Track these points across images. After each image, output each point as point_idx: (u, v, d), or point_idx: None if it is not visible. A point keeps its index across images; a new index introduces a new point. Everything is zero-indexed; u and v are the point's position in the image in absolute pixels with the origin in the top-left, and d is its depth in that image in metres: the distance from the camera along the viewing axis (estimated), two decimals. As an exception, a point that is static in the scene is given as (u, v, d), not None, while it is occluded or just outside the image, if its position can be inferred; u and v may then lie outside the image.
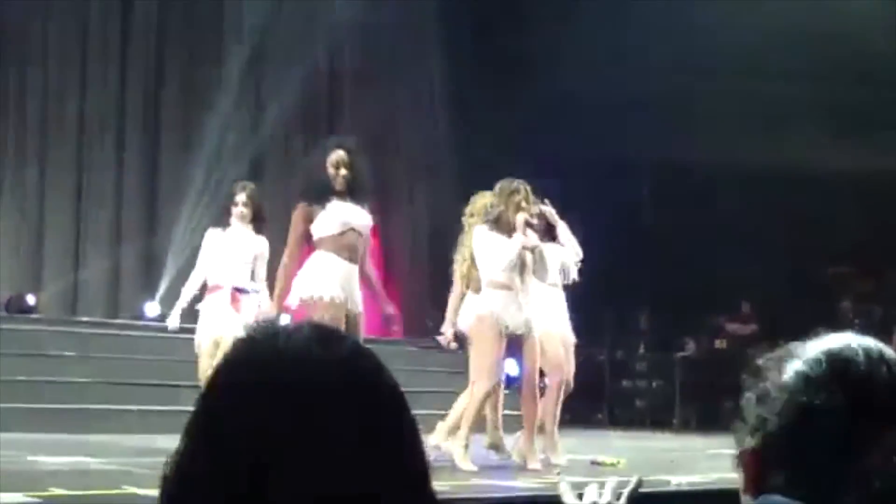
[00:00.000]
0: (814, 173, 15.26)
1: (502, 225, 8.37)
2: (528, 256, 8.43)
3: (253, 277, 8.89)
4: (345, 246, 7.87)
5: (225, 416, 1.19)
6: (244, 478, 1.15)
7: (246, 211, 8.97)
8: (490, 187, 8.67)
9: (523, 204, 8.43)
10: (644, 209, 16.60)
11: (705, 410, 15.13)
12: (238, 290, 8.78)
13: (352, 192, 7.95)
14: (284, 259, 7.91)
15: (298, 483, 1.15)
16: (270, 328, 1.27)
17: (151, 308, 13.13)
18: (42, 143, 13.59)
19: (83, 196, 13.74)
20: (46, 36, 13.76)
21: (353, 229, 7.95)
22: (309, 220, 7.91)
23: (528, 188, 8.51)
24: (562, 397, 8.88)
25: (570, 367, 9.02)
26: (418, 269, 15.25)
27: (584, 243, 9.27)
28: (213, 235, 9.01)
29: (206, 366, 8.22)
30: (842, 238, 15.79)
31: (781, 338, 1.62)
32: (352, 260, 7.88)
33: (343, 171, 7.99)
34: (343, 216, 7.89)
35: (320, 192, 7.93)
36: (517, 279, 8.34)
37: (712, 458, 9.06)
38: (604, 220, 9.55)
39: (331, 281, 7.67)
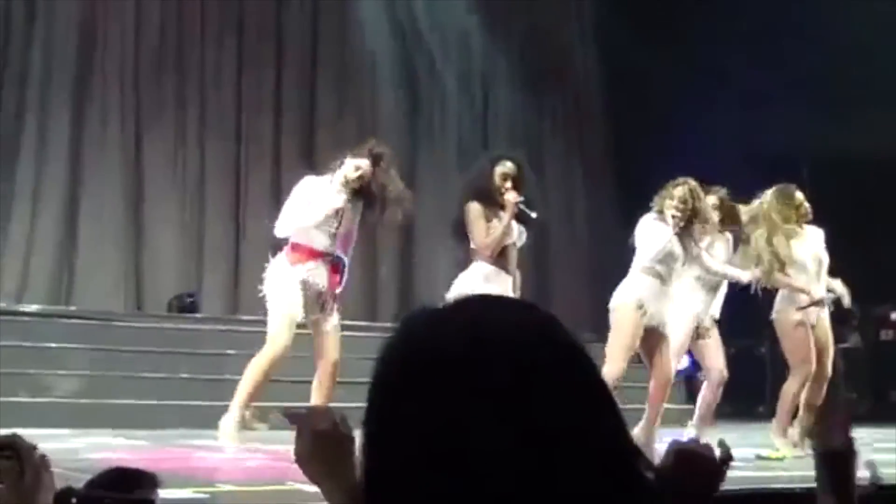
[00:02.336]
0: None
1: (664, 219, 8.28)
2: (678, 248, 8.30)
3: None
4: (505, 260, 7.93)
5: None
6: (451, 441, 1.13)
7: None
8: (647, 182, 8.64)
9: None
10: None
11: (872, 402, 14.80)
12: None
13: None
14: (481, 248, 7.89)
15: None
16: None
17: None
18: (201, 146, 13.76)
19: (241, 197, 13.89)
20: (205, 46, 13.93)
21: (514, 245, 8.01)
22: (486, 219, 7.95)
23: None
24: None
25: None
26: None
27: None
28: None
29: None
30: None
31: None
32: (508, 271, 7.94)
33: (509, 185, 7.97)
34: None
35: (490, 202, 7.94)
36: (667, 269, 8.23)
37: (880, 452, 8.83)
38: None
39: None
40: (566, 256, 14.97)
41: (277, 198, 13.87)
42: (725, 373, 9.10)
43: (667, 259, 8.18)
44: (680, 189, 8.23)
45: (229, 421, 7.96)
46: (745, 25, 14.45)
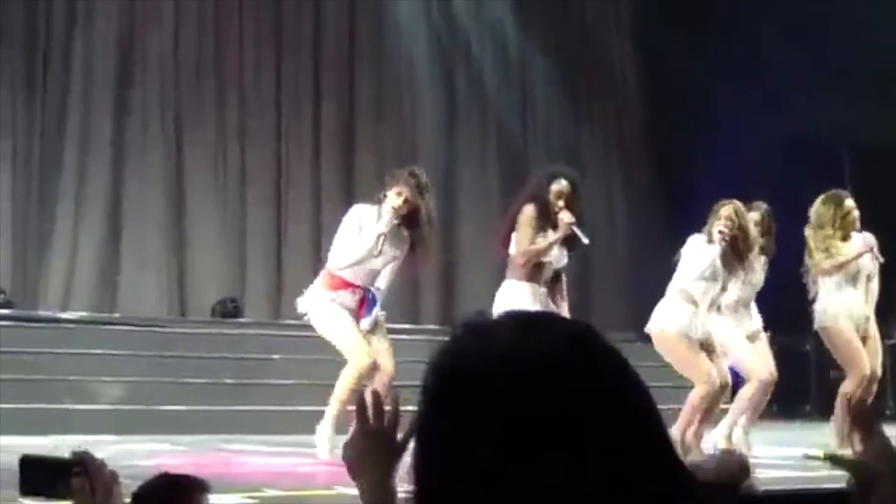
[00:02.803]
0: None
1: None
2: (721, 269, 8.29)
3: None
4: (539, 277, 7.91)
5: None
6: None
7: None
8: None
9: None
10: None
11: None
12: None
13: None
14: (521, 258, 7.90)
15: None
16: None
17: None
18: (241, 150, 13.79)
19: (282, 200, 13.91)
20: (243, 48, 13.98)
21: (551, 263, 7.98)
22: (536, 229, 7.93)
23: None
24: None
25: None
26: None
27: (779, 232, 9.20)
28: None
29: None
30: None
31: None
32: (540, 284, 7.93)
33: (562, 204, 7.95)
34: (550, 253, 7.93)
35: (543, 217, 7.93)
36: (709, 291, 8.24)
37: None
38: (803, 203, 9.37)
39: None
40: (605, 262, 14.89)
41: (318, 200, 13.96)
42: (775, 373, 9.09)
43: (708, 280, 8.20)
44: (726, 209, 8.24)
45: (324, 434, 7.87)
46: (784, 19, 14.34)
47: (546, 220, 7.95)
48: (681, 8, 14.95)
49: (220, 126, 13.68)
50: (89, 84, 12.91)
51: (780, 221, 9.38)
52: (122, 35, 13.14)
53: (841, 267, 9.05)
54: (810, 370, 15.55)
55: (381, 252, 7.91)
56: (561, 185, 8.04)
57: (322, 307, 8.06)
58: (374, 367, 7.88)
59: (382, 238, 7.87)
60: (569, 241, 8.12)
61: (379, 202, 8.04)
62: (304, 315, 8.17)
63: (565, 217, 7.90)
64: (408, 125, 14.74)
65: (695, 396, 8.08)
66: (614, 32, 16.18)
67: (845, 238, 9.12)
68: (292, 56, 14.16)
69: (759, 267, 9.15)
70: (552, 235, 7.95)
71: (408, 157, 14.00)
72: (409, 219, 8.00)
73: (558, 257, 8.14)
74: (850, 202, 9.22)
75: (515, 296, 7.90)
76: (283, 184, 13.94)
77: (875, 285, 9.29)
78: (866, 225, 9.30)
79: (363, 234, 7.94)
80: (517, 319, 1.22)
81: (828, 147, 15.00)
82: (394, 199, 7.94)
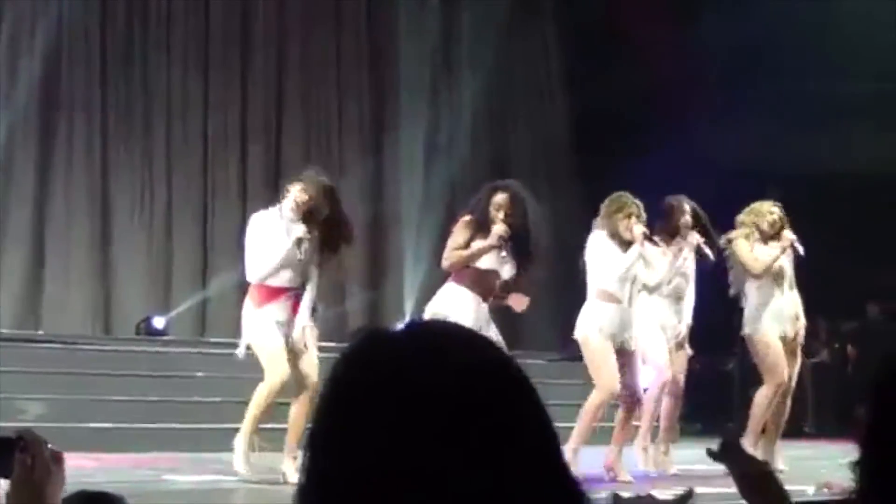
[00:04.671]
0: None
1: (616, 237, 8.39)
2: (639, 268, 8.45)
3: None
4: (483, 284, 7.92)
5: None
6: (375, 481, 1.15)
7: None
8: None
9: (637, 215, 8.43)
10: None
11: (840, 417, 14.87)
12: None
13: (510, 239, 7.94)
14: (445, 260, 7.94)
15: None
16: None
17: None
18: (168, 169, 13.76)
19: (208, 221, 13.88)
20: (170, 57, 13.93)
21: (496, 273, 8.00)
22: (469, 237, 7.95)
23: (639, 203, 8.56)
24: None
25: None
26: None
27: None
28: None
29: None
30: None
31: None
32: (484, 298, 7.93)
33: (501, 216, 7.98)
34: (491, 261, 7.93)
35: (482, 228, 7.95)
36: (626, 291, 8.36)
37: (844, 469, 8.84)
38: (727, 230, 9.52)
39: (465, 317, 7.61)
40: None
41: (243, 222, 13.87)
42: (679, 381, 9.21)
43: (628, 279, 8.32)
44: (630, 206, 8.40)
45: (239, 449, 7.92)
46: (718, 42, 14.53)
47: (484, 230, 7.97)
48: (610, 30, 15.08)
49: (146, 146, 13.63)
50: (12, 107, 12.82)
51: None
52: (47, 59, 13.05)
53: (768, 269, 9.15)
54: (733, 388, 15.73)
55: (301, 252, 8.02)
56: (500, 197, 8.08)
57: (251, 325, 8.12)
58: (300, 383, 7.95)
59: (300, 240, 7.98)
60: (519, 252, 8.09)
61: (278, 203, 8.16)
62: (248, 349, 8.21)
63: (496, 228, 7.90)
64: (334, 146, 14.79)
65: (590, 404, 8.21)
66: (542, 55, 16.28)
67: (768, 241, 9.24)
68: (221, 79, 14.14)
69: (690, 257, 9.20)
70: (479, 243, 7.97)
71: (335, 177, 14.02)
72: (310, 216, 8.08)
73: (500, 263, 8.08)
74: (773, 207, 9.36)
75: (451, 299, 7.91)
76: (209, 204, 13.91)
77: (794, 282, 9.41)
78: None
79: (272, 238, 8.01)
80: (415, 333, 1.25)
81: (755, 175, 15.21)
82: (298, 194, 8.04)
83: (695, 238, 9.09)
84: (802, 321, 9.39)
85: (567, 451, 8.04)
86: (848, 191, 15.26)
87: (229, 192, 14.03)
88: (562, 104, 16.21)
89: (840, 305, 15.66)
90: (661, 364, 8.93)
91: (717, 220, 9.54)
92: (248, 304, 8.21)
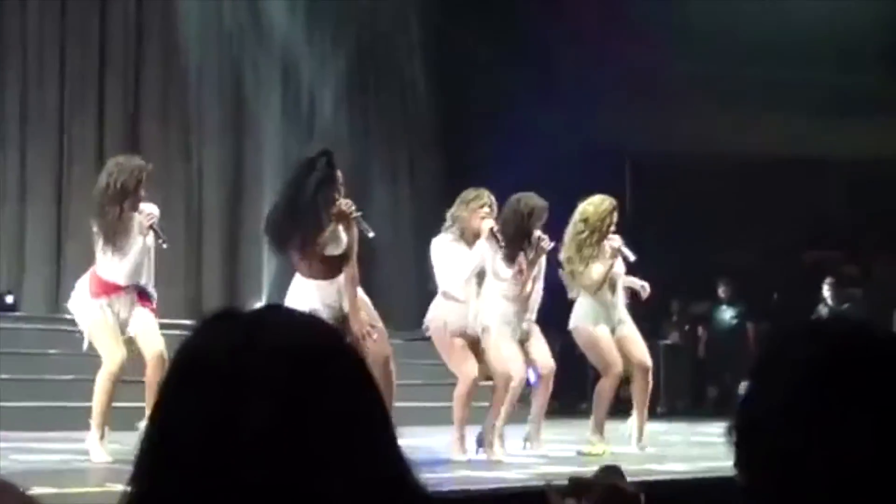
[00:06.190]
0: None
1: (466, 235, 8.44)
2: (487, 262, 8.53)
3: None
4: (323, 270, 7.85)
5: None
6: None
7: None
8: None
9: (486, 211, 8.49)
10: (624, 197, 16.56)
11: (692, 398, 15.19)
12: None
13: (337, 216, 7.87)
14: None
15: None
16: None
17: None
18: (22, 141, 13.48)
19: (63, 196, 13.62)
20: (25, 27, 13.65)
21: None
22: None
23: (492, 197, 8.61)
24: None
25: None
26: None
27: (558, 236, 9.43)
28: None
29: None
30: (828, 224, 15.81)
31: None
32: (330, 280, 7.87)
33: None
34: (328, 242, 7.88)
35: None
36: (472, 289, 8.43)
37: (700, 446, 9.14)
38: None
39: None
40: (392, 254, 14.96)
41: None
42: (553, 365, 9.30)
43: (477, 278, 8.41)
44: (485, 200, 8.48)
45: (93, 439, 7.87)
46: (576, 24, 14.64)
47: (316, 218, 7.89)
48: (475, 11, 15.14)
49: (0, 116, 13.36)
50: None
51: (562, 224, 9.55)
52: None
53: (601, 283, 9.30)
54: (587, 368, 15.93)
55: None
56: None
57: (87, 312, 8.17)
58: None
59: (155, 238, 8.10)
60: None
61: None
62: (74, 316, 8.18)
63: (342, 205, 7.75)
64: (193, 125, 14.61)
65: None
66: (404, 30, 16.25)
67: (600, 241, 9.32)
68: (78, 52, 13.89)
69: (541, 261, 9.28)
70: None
71: (192, 157, 13.90)
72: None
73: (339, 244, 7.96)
74: (604, 201, 9.45)
75: (300, 291, 7.86)
76: (65, 179, 13.66)
77: (621, 283, 9.55)
78: (643, 232, 9.59)
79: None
80: (258, 316, 1.24)
81: (612, 154, 15.36)
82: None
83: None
84: (627, 322, 9.53)
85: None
86: (703, 172, 15.52)
87: (86, 161, 13.76)
88: (424, 84, 16.22)
89: (691, 288, 15.94)
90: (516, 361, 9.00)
91: (569, 203, 9.60)
92: (86, 288, 8.27)
